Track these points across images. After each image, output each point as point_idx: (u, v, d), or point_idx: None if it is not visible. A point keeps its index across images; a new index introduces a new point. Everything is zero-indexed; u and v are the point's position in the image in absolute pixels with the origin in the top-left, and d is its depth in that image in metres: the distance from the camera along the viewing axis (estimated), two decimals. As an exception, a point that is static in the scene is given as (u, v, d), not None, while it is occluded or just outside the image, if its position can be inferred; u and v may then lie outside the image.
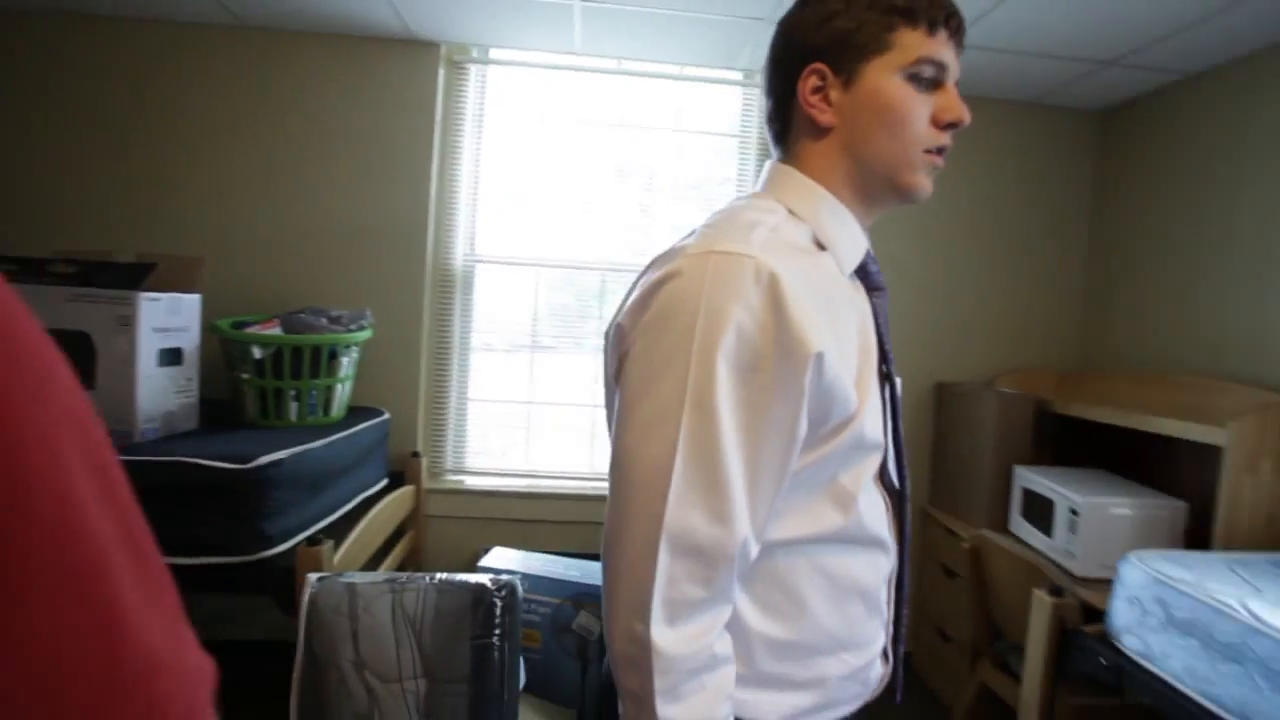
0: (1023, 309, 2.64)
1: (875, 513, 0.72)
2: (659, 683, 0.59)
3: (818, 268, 0.69)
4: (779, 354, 0.60)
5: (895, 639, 0.79)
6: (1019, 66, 2.28)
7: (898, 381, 0.76)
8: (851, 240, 0.73)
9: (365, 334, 2.03)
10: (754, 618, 0.68)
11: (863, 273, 0.76)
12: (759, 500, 0.62)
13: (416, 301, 2.39)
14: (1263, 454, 1.71)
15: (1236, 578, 1.35)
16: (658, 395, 0.61)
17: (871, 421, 0.69)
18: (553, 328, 2.61)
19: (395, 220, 2.37)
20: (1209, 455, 1.78)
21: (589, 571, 2.09)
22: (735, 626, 0.67)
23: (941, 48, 0.69)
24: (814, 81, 0.71)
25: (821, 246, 0.71)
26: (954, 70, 0.72)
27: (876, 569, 0.74)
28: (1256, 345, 1.99)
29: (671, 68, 2.52)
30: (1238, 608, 1.21)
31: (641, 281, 0.69)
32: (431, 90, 2.37)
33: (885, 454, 0.73)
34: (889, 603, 0.77)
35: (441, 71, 2.39)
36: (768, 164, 0.78)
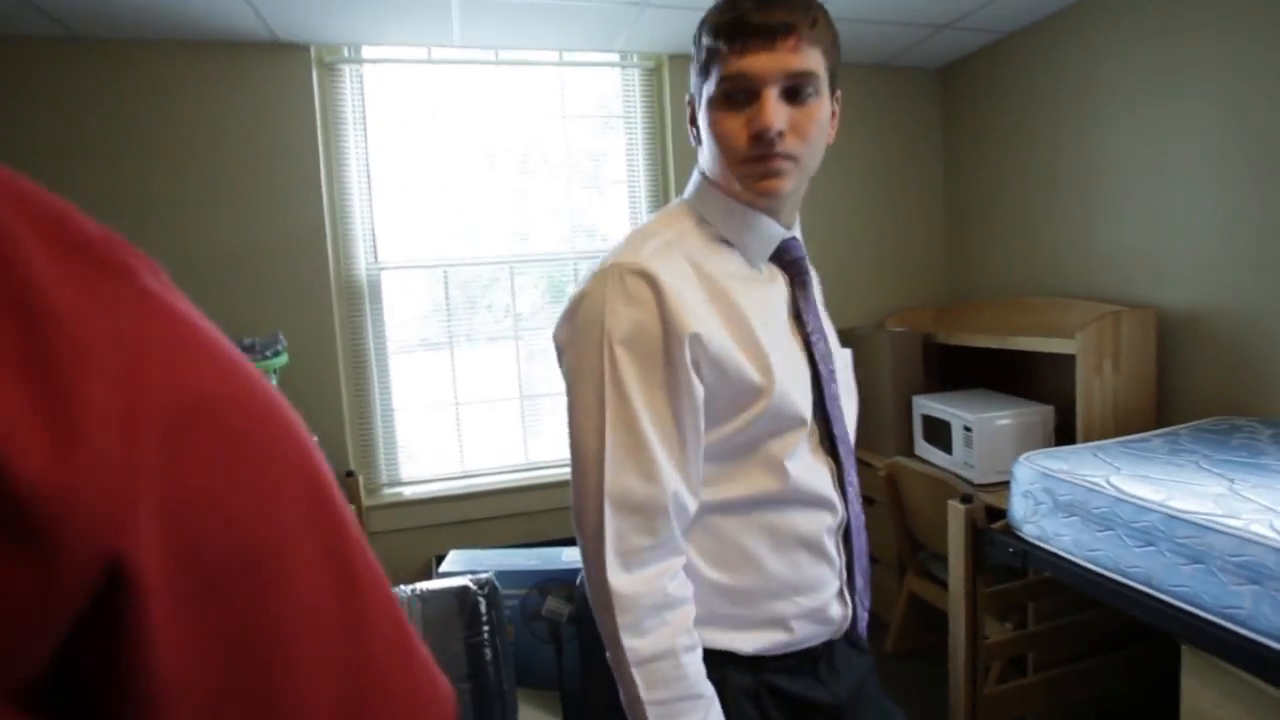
0: (898, 254, 2.93)
1: (814, 476, 0.80)
2: (621, 620, 0.70)
3: (718, 264, 0.79)
4: (665, 338, 0.73)
5: (850, 584, 0.85)
6: (869, 33, 2.50)
7: (837, 357, 0.85)
8: (757, 236, 0.81)
9: (281, 359, 1.96)
10: (706, 569, 0.78)
11: (781, 261, 0.84)
12: (681, 457, 0.74)
13: (327, 317, 2.32)
14: (1104, 356, 2.04)
15: (1099, 461, 1.64)
16: (587, 389, 0.73)
17: (791, 397, 0.77)
18: (468, 324, 2.61)
19: (292, 235, 2.26)
20: (1064, 363, 2.10)
21: (547, 558, 2.15)
22: (693, 577, 0.77)
23: (750, 60, 0.71)
24: (690, 109, 0.83)
25: (728, 242, 0.81)
26: (779, 70, 0.71)
27: (819, 522, 0.81)
28: (1087, 265, 2.35)
29: (551, 54, 2.55)
30: (1105, 485, 1.48)
31: (569, 294, 0.80)
32: (307, 95, 2.27)
33: (825, 427, 0.82)
34: (839, 551, 0.85)
35: (315, 74, 2.29)
36: (695, 169, 0.86)
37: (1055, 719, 2.01)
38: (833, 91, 0.78)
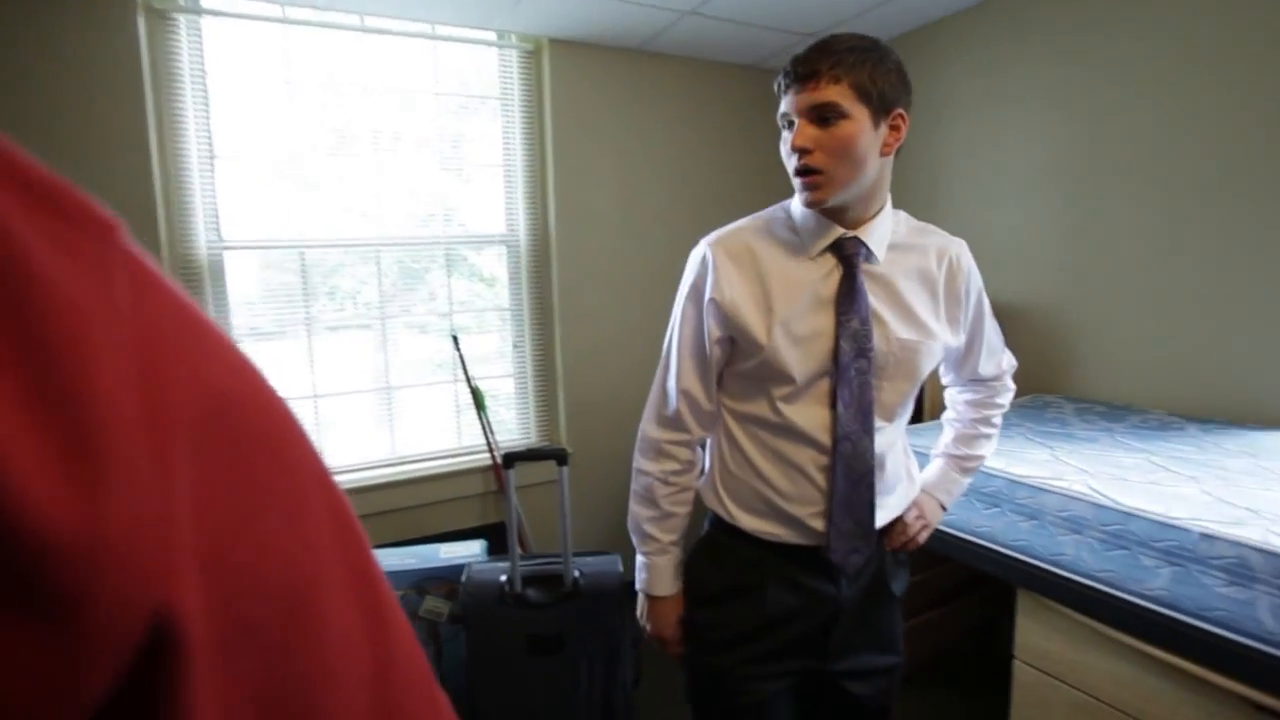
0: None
1: (805, 420, 1.01)
2: (639, 447, 1.14)
3: (774, 246, 1.03)
4: (702, 292, 1.04)
5: (830, 512, 1.01)
6: (743, 35, 2.62)
7: (876, 335, 0.99)
8: (811, 232, 1.02)
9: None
10: (730, 463, 1.09)
11: (840, 255, 1.00)
12: (694, 373, 1.07)
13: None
14: (945, 343, 2.29)
15: (946, 436, 1.84)
16: (672, 319, 1.11)
17: (783, 358, 0.98)
18: (322, 311, 2.40)
19: (115, 206, 1.95)
20: (912, 350, 2.33)
21: (424, 555, 2.05)
22: (718, 461, 1.11)
23: (791, 98, 0.95)
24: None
25: (796, 233, 1.04)
26: (804, 105, 0.94)
27: (806, 454, 1.02)
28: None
29: (423, 26, 2.41)
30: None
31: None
32: (132, 46, 1.97)
33: (834, 384, 0.99)
34: (826, 484, 1.01)
35: (142, 23, 1.99)
36: None
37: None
38: (881, 114, 0.95)
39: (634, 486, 1.14)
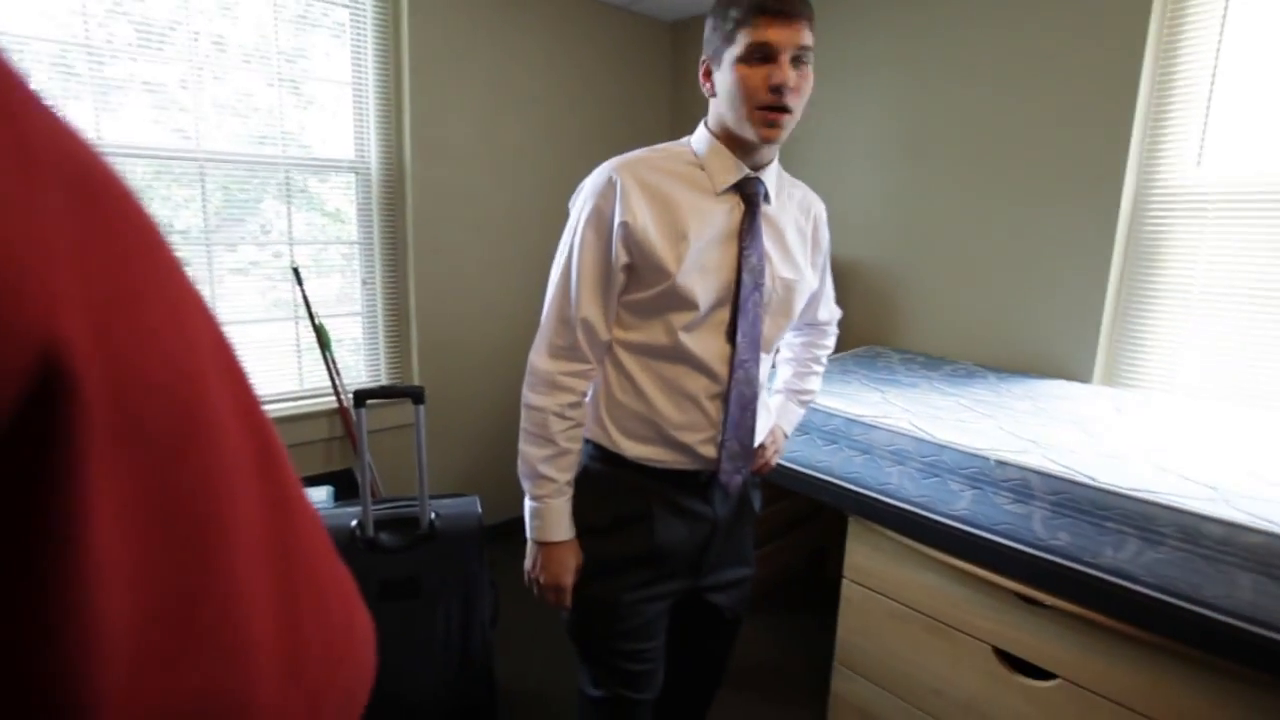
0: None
1: (702, 349, 1.04)
2: (529, 380, 1.07)
3: (685, 179, 1.03)
4: (605, 218, 1.01)
5: (722, 438, 1.08)
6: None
7: (767, 271, 1.06)
8: (723, 167, 1.04)
9: None
10: (616, 391, 1.08)
11: (743, 193, 1.04)
12: (595, 299, 1.03)
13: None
14: (793, 296, 2.44)
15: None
16: (564, 242, 1.06)
17: (690, 286, 1.00)
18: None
19: None
20: (764, 301, 2.47)
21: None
22: (606, 394, 1.08)
23: (766, 33, 0.94)
24: (704, 69, 1.04)
25: (702, 168, 1.05)
26: (791, 42, 0.95)
27: (699, 383, 1.06)
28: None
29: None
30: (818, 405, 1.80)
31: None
32: None
33: (733, 319, 1.04)
34: (719, 411, 1.07)
35: None
36: (701, 123, 1.09)
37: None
38: None
39: (525, 425, 1.06)
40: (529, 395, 1.06)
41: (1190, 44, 1.86)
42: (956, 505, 1.44)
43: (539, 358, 1.05)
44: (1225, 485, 1.24)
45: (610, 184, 1.00)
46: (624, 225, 0.99)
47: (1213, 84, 1.83)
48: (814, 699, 1.92)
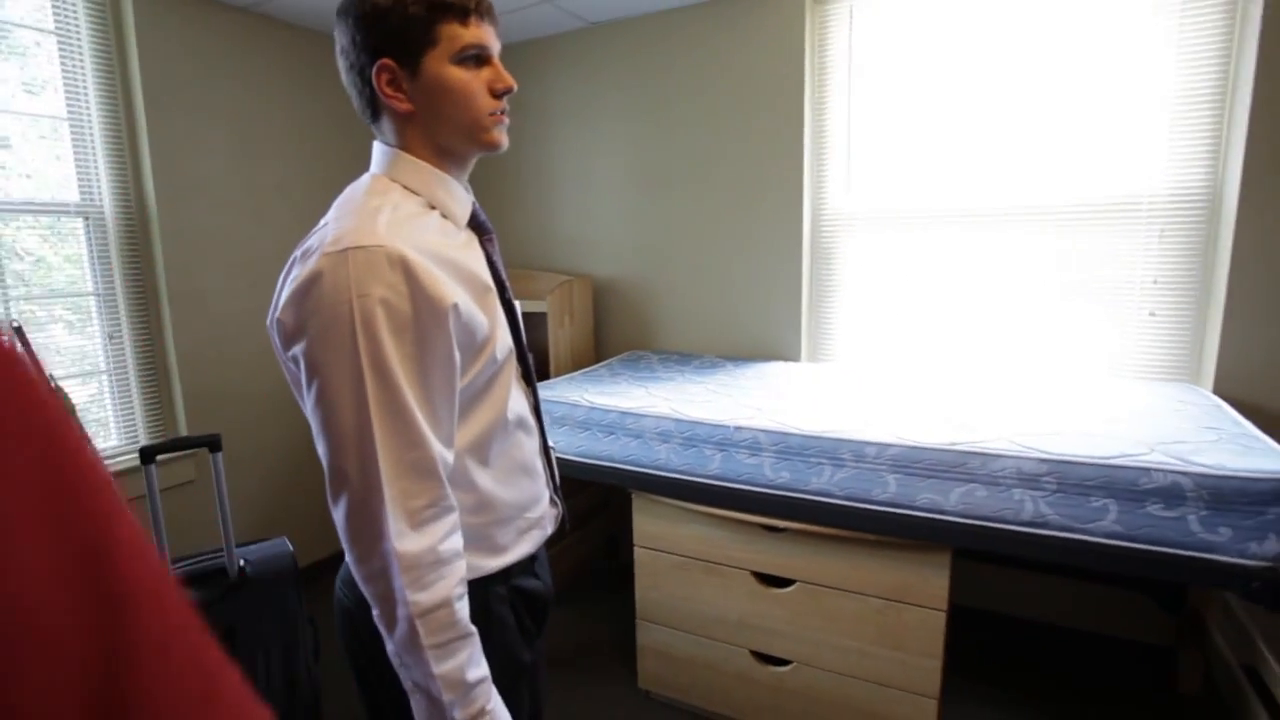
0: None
1: (520, 405, 0.94)
2: (406, 578, 0.75)
3: (434, 228, 0.85)
4: (424, 314, 0.77)
5: (554, 487, 1.04)
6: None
7: (517, 304, 0.97)
8: (457, 201, 0.90)
9: None
10: (467, 516, 0.88)
11: (474, 224, 0.92)
12: (440, 422, 0.80)
13: None
14: (564, 313, 2.76)
15: (573, 386, 2.29)
16: (341, 370, 0.75)
17: (502, 338, 0.88)
18: None
19: None
20: (538, 320, 2.75)
21: None
22: (462, 519, 0.85)
23: (479, 33, 0.84)
24: (387, 75, 0.83)
25: (434, 208, 0.88)
26: (495, 47, 0.87)
27: (530, 446, 0.97)
28: (547, 245, 3.08)
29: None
30: (582, 400, 2.11)
31: (290, 279, 0.79)
32: None
33: (522, 359, 0.96)
34: (545, 466, 1.02)
35: None
36: (376, 145, 0.90)
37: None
38: None
39: (426, 642, 0.76)
40: (416, 597, 0.75)
41: (831, 114, 2.53)
42: (710, 467, 1.84)
43: (403, 541, 0.75)
44: (876, 418, 1.78)
45: (392, 265, 0.75)
46: (455, 309, 0.79)
47: (849, 139, 2.51)
48: (625, 660, 2.22)
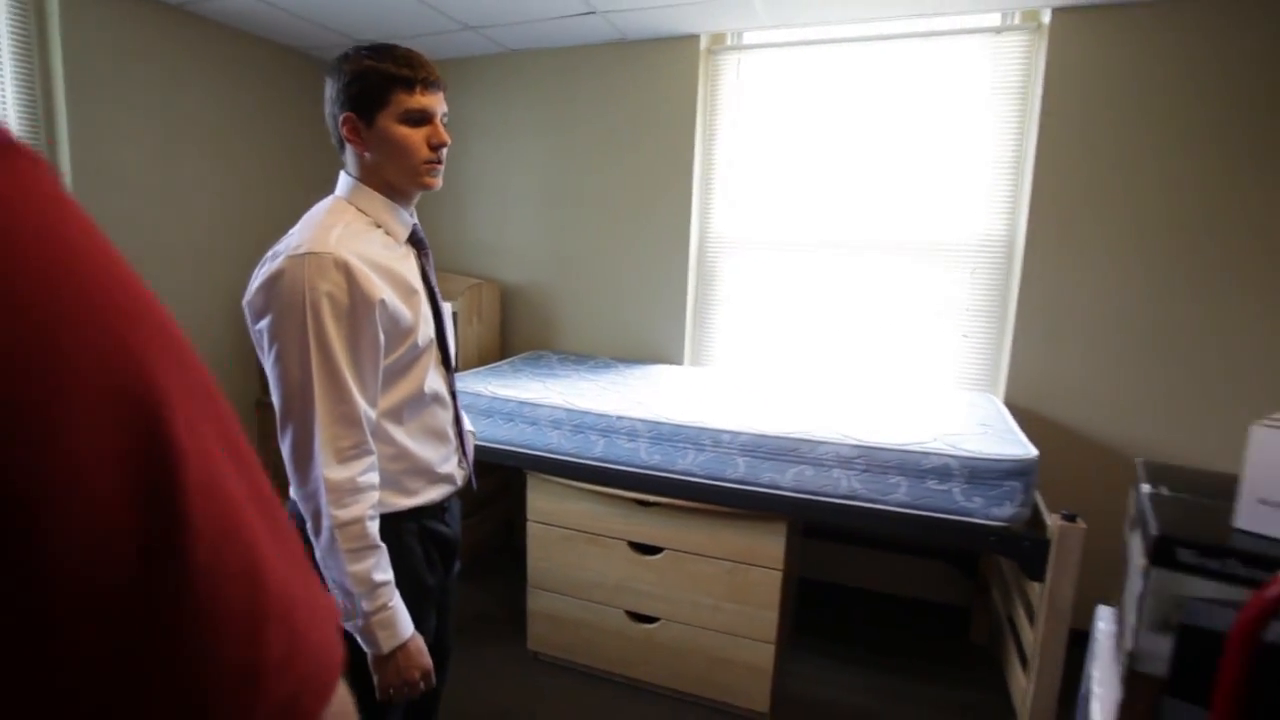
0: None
1: (437, 384, 1.21)
2: (330, 498, 1.00)
3: (378, 242, 1.11)
4: (358, 305, 1.03)
5: (463, 453, 1.30)
6: (295, 25, 2.80)
7: (445, 305, 1.26)
8: (399, 223, 1.17)
9: None
10: (385, 462, 1.12)
11: (414, 240, 1.20)
12: (365, 386, 1.06)
13: None
14: (474, 313, 3.00)
15: (478, 380, 2.53)
16: (294, 341, 1.00)
17: (424, 330, 1.15)
18: None
19: None
20: (453, 318, 2.96)
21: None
22: (381, 464, 1.10)
23: (423, 100, 1.11)
24: (349, 126, 1.11)
25: (379, 227, 1.15)
26: (439, 110, 1.14)
27: (443, 417, 1.23)
28: (460, 250, 3.30)
29: None
30: (485, 391, 2.36)
31: (261, 272, 1.04)
32: None
33: (442, 348, 1.23)
34: (456, 435, 1.28)
35: None
36: (342, 175, 1.17)
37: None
38: None
39: (343, 546, 1.00)
40: (336, 513, 1.00)
41: (718, 148, 2.91)
42: (595, 450, 2.14)
43: (330, 470, 1.00)
44: (734, 411, 2.14)
45: (343, 270, 1.01)
46: (381, 303, 1.05)
47: (733, 172, 2.90)
48: (517, 627, 2.48)
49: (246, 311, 1.07)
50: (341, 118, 1.11)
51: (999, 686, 2.24)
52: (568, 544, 2.26)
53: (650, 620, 2.19)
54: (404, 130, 1.11)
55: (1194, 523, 0.84)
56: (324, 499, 1.00)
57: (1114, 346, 2.44)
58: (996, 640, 2.38)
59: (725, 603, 2.09)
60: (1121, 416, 2.45)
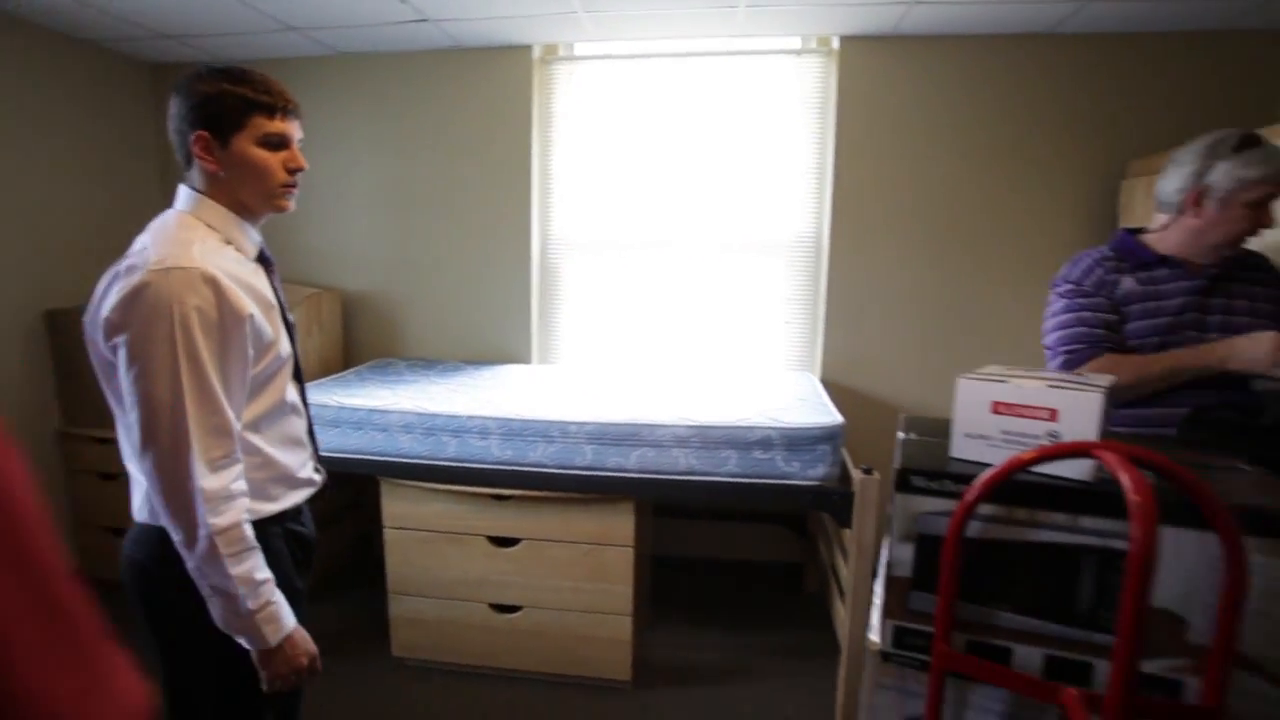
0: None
1: (293, 394, 1.26)
2: (206, 507, 1.02)
3: (231, 258, 1.13)
4: (228, 320, 1.06)
5: (318, 460, 1.36)
6: (111, 23, 2.56)
7: (291, 318, 1.27)
8: (249, 240, 1.19)
9: None
10: (251, 471, 1.14)
11: (261, 258, 1.22)
12: (233, 398, 1.09)
13: None
14: (313, 323, 2.90)
15: (322, 390, 2.46)
16: (162, 359, 1.00)
17: (283, 344, 1.20)
18: None
19: None
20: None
21: None
22: (246, 474, 1.11)
23: (282, 126, 1.14)
24: (202, 144, 1.11)
25: (230, 244, 1.16)
26: (296, 135, 1.18)
27: (300, 425, 1.28)
28: (297, 258, 3.17)
29: None
30: (331, 401, 2.31)
31: (116, 288, 1.03)
32: None
33: (293, 361, 1.26)
34: (310, 443, 1.33)
35: None
36: (182, 188, 1.15)
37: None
38: None
39: (224, 551, 1.03)
40: (214, 521, 1.02)
41: (555, 154, 3.03)
42: (447, 451, 2.19)
43: (204, 480, 1.02)
44: (580, 403, 2.27)
45: (205, 283, 1.03)
46: (250, 318, 1.08)
47: (571, 176, 3.03)
48: (379, 636, 2.45)
49: (98, 328, 1.04)
50: (193, 135, 1.11)
51: (827, 625, 2.56)
52: (427, 545, 2.29)
53: (513, 610, 2.27)
54: (262, 154, 1.13)
55: (925, 456, 1.08)
56: (201, 509, 1.02)
57: (899, 325, 2.86)
58: (824, 586, 2.71)
59: (584, 583, 2.21)
60: (904, 381, 2.89)
